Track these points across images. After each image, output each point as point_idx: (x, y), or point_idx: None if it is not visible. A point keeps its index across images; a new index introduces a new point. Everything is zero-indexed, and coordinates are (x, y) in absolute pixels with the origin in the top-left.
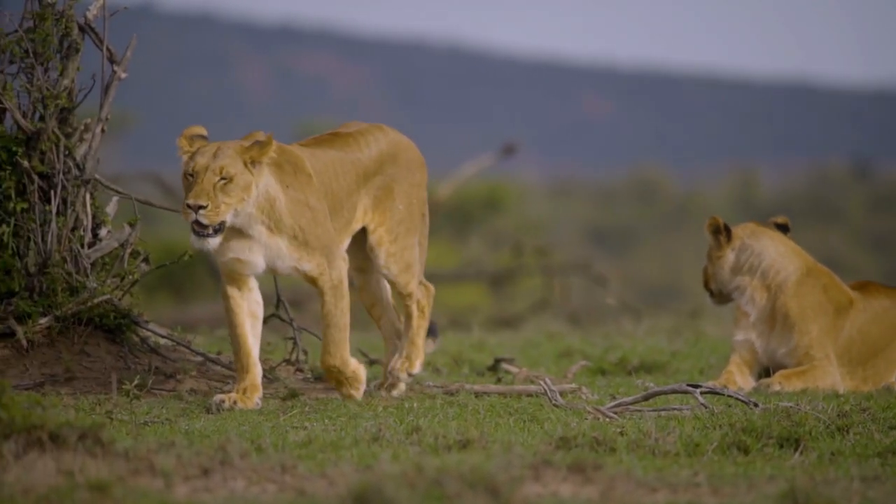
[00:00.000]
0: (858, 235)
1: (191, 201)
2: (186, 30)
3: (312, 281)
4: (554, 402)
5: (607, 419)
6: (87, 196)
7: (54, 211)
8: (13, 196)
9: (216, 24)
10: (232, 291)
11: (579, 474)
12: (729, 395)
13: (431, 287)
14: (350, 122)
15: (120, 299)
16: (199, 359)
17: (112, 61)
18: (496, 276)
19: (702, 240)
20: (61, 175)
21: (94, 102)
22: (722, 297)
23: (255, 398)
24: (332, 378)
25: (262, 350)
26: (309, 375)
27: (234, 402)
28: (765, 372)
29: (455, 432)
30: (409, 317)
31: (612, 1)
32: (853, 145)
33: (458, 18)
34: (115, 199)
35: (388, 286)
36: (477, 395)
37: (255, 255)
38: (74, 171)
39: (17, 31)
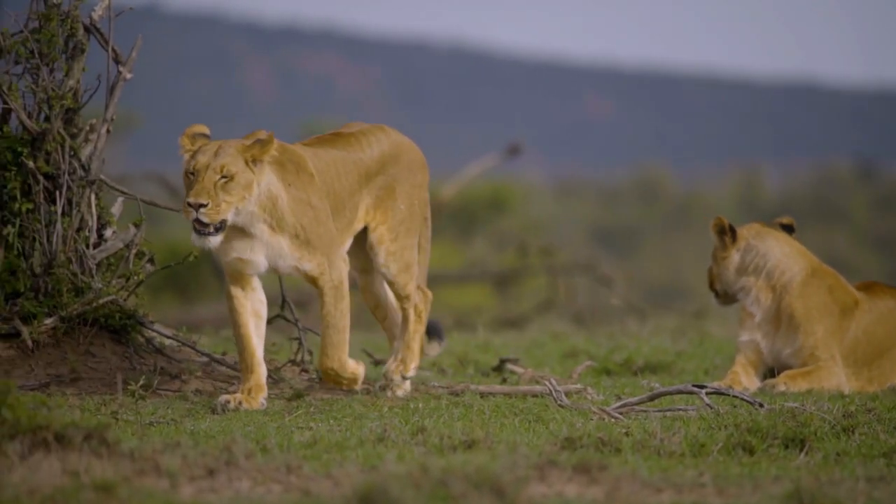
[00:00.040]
0: (863, 236)
1: (191, 199)
2: (191, 30)
3: (313, 281)
4: (559, 402)
5: (612, 419)
6: (93, 196)
7: (59, 211)
8: (18, 196)
9: (221, 25)
10: (235, 291)
11: (584, 475)
12: (734, 396)
13: (429, 293)
14: (352, 123)
15: (125, 300)
16: (205, 359)
17: (117, 62)
18: (501, 277)
19: (706, 240)
20: (66, 175)
21: (99, 103)
22: (727, 297)
23: (260, 398)
24: (329, 380)
25: (268, 351)
26: (314, 376)
27: (240, 403)
28: (770, 372)
29: (460, 433)
30: (405, 320)
31: (614, 1)
32: (857, 145)
33: (461, 19)
34: (120, 199)
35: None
36: (482, 395)
37: (257, 254)
38: (80, 172)
39: (22, 31)
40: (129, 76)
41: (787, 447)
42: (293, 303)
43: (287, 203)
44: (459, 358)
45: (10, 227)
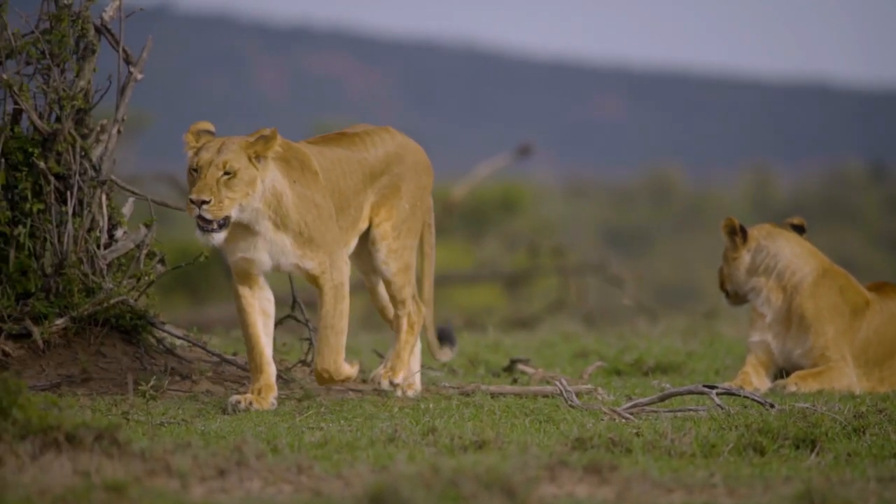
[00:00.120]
0: (874, 236)
1: (194, 196)
2: (202, 31)
3: (313, 280)
4: (570, 402)
5: (623, 420)
6: (104, 197)
7: (70, 212)
8: (30, 197)
9: (231, 25)
10: (243, 290)
11: (595, 475)
12: (745, 396)
13: (423, 308)
14: (357, 124)
15: (136, 300)
16: (215, 359)
17: (128, 62)
18: (512, 277)
19: (717, 241)
20: (77, 176)
21: (110, 103)
22: (738, 298)
23: (271, 398)
24: (322, 382)
25: (278, 351)
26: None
27: (250, 403)
28: (781, 373)
29: (471, 433)
30: (398, 329)
31: (625, 2)
32: (868, 146)
33: (472, 19)
34: (130, 199)
35: None
36: (493, 395)
37: (260, 252)
38: (91, 172)
39: (33, 32)
40: (139, 77)
41: (797, 448)
42: (304, 303)
43: (291, 200)
44: (470, 358)
45: (21, 227)
